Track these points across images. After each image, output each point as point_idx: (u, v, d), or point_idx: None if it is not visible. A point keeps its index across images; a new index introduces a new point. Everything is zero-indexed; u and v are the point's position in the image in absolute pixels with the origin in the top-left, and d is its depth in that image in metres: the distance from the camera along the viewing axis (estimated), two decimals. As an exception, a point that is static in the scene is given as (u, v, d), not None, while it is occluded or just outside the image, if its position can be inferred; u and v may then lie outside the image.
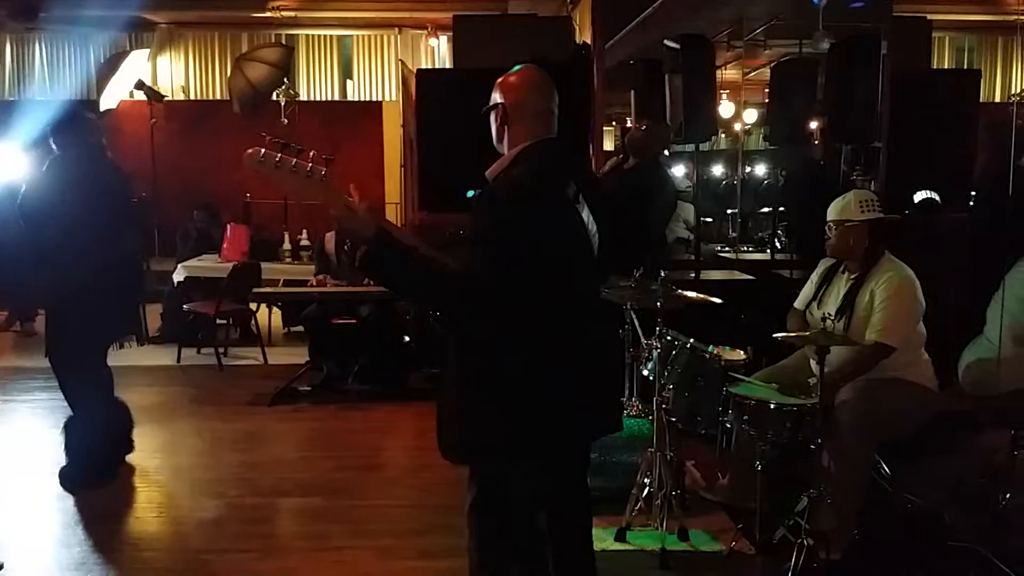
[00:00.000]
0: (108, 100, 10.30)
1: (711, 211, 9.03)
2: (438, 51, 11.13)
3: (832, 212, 3.92)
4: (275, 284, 7.76)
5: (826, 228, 3.94)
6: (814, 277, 4.12)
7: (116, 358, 4.78)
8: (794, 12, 7.16)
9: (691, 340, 4.00)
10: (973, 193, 6.76)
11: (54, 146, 4.56)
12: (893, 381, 3.73)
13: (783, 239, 7.76)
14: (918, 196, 6.34)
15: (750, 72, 9.01)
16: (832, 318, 3.86)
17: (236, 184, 8.95)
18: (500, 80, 2.62)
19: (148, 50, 11.24)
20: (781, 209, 7.97)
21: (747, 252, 8.17)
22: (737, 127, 9.88)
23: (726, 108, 9.38)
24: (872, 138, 5.96)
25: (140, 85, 10.01)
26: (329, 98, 11.66)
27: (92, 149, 4.64)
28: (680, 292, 4.10)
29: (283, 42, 11.13)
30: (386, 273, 2.44)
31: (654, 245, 5.77)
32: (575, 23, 7.21)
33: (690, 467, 4.46)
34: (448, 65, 9.89)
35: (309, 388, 6.48)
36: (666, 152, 7.52)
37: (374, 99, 11.60)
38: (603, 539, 3.79)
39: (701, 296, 4.17)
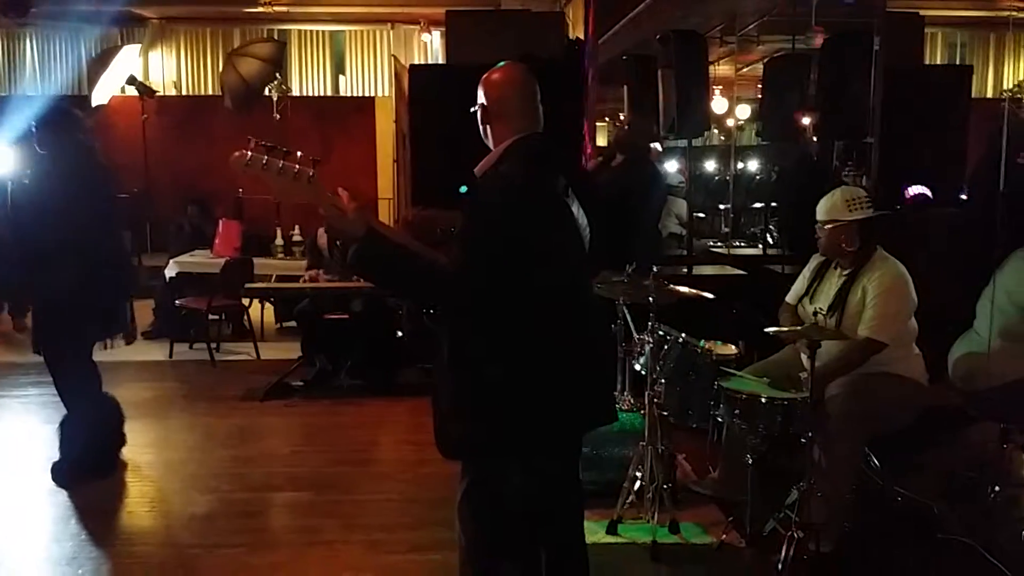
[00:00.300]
0: (99, 96, 10.27)
1: (703, 206, 9.05)
2: (431, 46, 11.14)
3: (820, 212, 3.92)
4: (267, 279, 7.76)
5: (816, 227, 3.95)
6: (806, 272, 4.13)
7: (108, 354, 4.77)
8: (787, 8, 7.17)
9: (683, 335, 4.01)
10: (965, 188, 6.79)
11: (36, 146, 4.54)
12: (883, 375, 3.75)
13: (775, 234, 7.78)
14: (910, 191, 6.36)
15: (743, 68, 9.03)
16: (824, 313, 3.88)
17: (228, 179, 8.92)
18: (483, 78, 2.63)
19: (139, 45, 11.21)
20: (773, 205, 7.99)
21: (739, 247, 8.19)
22: (730, 123, 9.90)
23: (719, 104, 9.38)
24: (864, 134, 5.96)
25: (131, 80, 9.97)
26: (321, 93, 11.66)
27: (77, 146, 4.61)
28: (672, 287, 4.10)
29: (275, 37, 11.12)
30: (376, 272, 2.46)
31: (646, 240, 5.78)
32: (568, 18, 7.22)
33: (681, 460, 4.47)
34: (441, 60, 9.88)
35: (301, 383, 6.48)
36: (658, 148, 7.54)
37: (367, 95, 11.60)
38: (595, 532, 3.80)
39: (693, 291, 4.18)
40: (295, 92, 11.15)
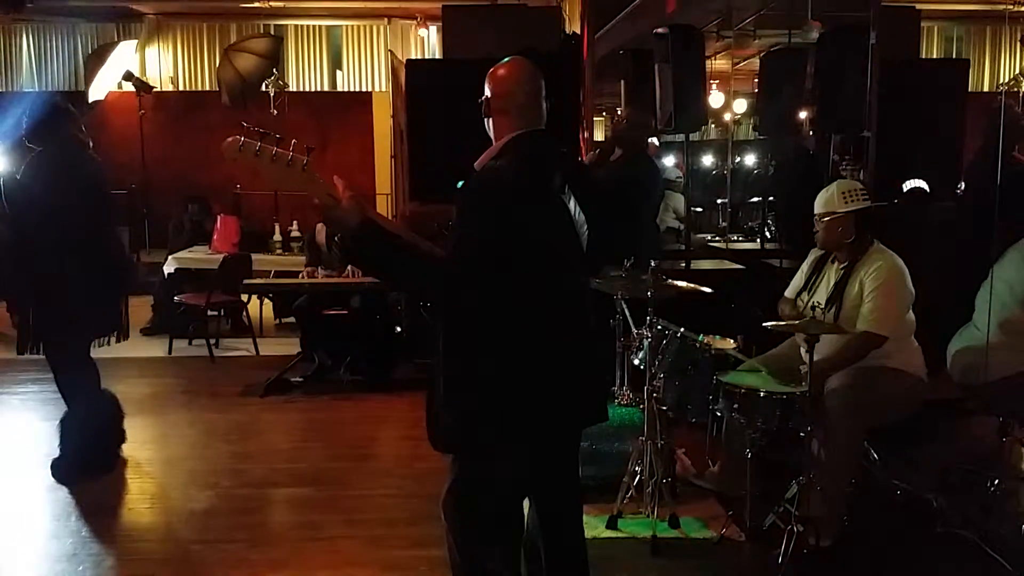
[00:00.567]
0: (96, 91, 10.23)
1: (701, 201, 9.06)
2: (428, 41, 11.12)
3: (818, 205, 3.94)
4: (266, 275, 7.74)
5: (814, 221, 3.96)
6: (804, 266, 4.14)
7: (107, 350, 4.77)
8: (783, 2, 7.17)
9: (681, 329, 4.01)
10: (962, 182, 6.80)
11: (27, 141, 4.52)
12: (882, 369, 3.75)
13: (773, 229, 7.79)
14: (907, 185, 6.36)
15: (740, 62, 9.04)
16: (822, 307, 3.88)
17: (226, 175, 8.92)
18: (489, 72, 2.62)
19: (136, 41, 11.18)
20: (771, 199, 7.99)
21: (737, 242, 8.21)
22: (727, 117, 9.90)
23: (716, 98, 9.40)
24: (861, 127, 5.96)
25: (128, 76, 9.96)
26: (318, 89, 11.64)
27: (70, 143, 4.58)
28: (670, 282, 4.11)
29: (272, 32, 11.09)
30: (372, 262, 2.47)
31: (644, 235, 5.78)
32: (564, 13, 7.20)
33: (681, 455, 4.48)
34: (438, 55, 9.87)
35: (301, 379, 6.47)
36: (656, 142, 7.53)
37: (364, 90, 11.59)
38: (594, 527, 3.81)
39: (691, 285, 4.19)
40: (292, 87, 11.12)
